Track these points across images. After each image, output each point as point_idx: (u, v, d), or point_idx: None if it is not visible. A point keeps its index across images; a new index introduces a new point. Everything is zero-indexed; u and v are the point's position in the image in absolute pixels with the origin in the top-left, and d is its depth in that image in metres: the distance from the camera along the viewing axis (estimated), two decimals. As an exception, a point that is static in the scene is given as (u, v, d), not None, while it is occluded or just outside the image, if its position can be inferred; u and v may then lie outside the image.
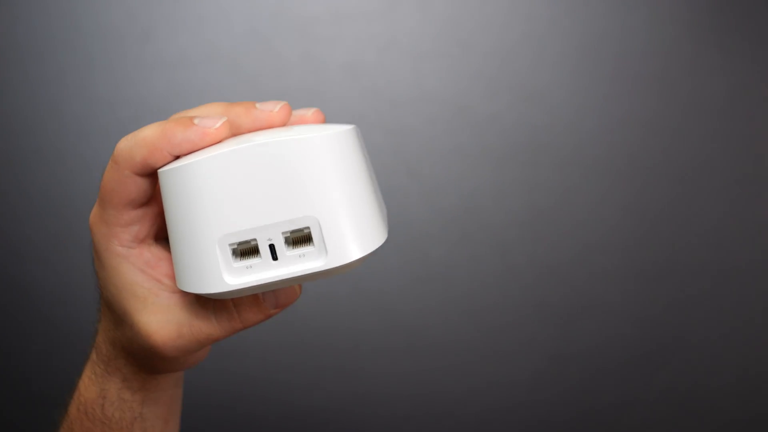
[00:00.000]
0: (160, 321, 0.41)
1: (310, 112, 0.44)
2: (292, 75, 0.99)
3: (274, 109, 0.42)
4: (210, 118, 0.40)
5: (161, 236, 0.44)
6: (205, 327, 0.41)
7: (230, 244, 0.38)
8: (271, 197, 0.37)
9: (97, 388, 0.46)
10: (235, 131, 0.41)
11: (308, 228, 0.38)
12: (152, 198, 0.42)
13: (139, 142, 0.39)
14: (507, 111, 1.01)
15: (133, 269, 0.42)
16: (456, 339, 1.02)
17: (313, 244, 0.38)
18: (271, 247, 0.38)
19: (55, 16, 0.98)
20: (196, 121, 0.39)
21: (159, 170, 0.39)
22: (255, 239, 0.38)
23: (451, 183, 1.01)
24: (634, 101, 1.01)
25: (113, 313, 0.44)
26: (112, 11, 0.98)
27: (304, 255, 0.38)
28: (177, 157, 0.40)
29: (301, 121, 0.44)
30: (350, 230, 0.38)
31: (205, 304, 0.41)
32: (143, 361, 0.44)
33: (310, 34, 0.99)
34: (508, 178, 1.01)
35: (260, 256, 0.38)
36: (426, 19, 1.00)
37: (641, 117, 1.01)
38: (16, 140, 0.99)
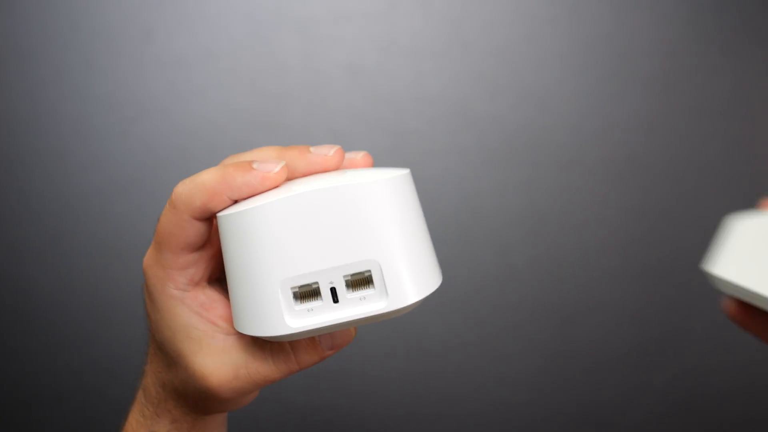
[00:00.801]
0: (216, 363, 0.41)
1: (359, 156, 0.45)
2: (292, 75, 0.99)
3: (328, 153, 0.43)
4: (269, 162, 0.40)
5: (215, 278, 0.44)
6: (262, 369, 0.42)
7: (292, 288, 0.38)
8: (332, 241, 0.38)
9: (146, 430, 0.46)
10: (291, 175, 0.42)
11: (369, 272, 0.38)
12: (208, 241, 0.42)
13: (199, 186, 0.40)
14: (507, 111, 1.01)
15: (188, 312, 0.42)
16: (456, 338, 1.02)
17: (374, 287, 0.38)
18: (332, 290, 0.38)
19: (55, 16, 0.98)
20: (255, 165, 0.40)
21: (219, 215, 0.39)
22: (317, 282, 0.38)
23: (451, 183, 1.01)
24: (635, 101, 1.01)
25: (166, 355, 0.44)
26: (112, 11, 0.98)
27: (365, 298, 0.38)
28: (235, 201, 0.40)
29: (351, 165, 0.45)
30: (409, 273, 0.39)
31: (262, 345, 0.42)
32: (196, 402, 0.44)
33: (310, 34, 0.99)
34: (508, 178, 1.01)
35: (321, 299, 0.38)
36: (426, 20, 1.00)
37: (642, 117, 1.01)
38: (15, 140, 0.99)
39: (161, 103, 0.99)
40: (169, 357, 0.43)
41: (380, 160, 1.00)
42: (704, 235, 1.02)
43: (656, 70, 1.01)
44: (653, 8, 1.00)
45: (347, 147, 1.01)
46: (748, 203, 1.02)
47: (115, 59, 0.99)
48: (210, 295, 0.43)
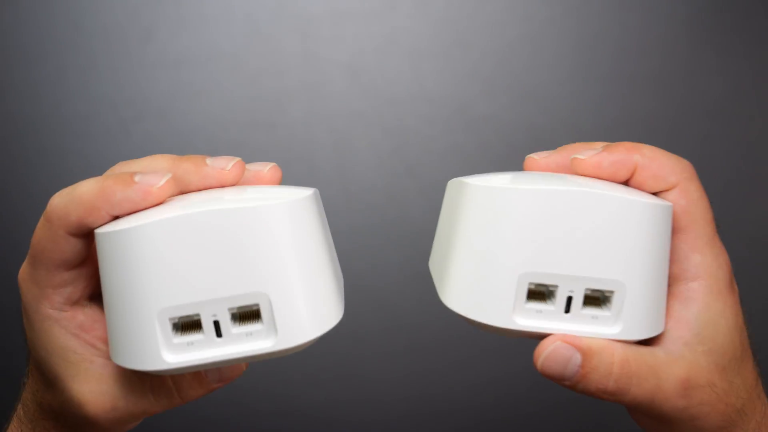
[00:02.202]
0: (94, 391, 0.38)
1: (266, 168, 0.40)
2: (292, 74, 1.00)
3: (226, 166, 0.38)
4: (153, 174, 0.36)
5: (96, 296, 0.40)
6: (140, 402, 0.39)
7: (171, 318, 0.34)
8: (218, 269, 0.34)
9: None
10: (183, 188, 0.38)
11: (257, 305, 0.34)
12: (87, 258, 0.38)
13: (75, 199, 0.36)
14: (505, 110, 1.01)
15: (65, 333, 0.39)
16: (456, 338, 1.02)
17: (262, 322, 0.34)
18: (216, 324, 0.34)
19: (57, 16, 0.98)
20: (137, 178, 0.36)
21: (96, 231, 0.35)
22: (198, 314, 0.34)
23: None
24: (631, 101, 1.01)
25: (43, 375, 0.40)
26: (114, 11, 0.98)
27: (251, 333, 0.34)
28: (116, 217, 0.36)
29: (257, 179, 0.40)
30: (304, 309, 0.35)
31: (142, 377, 0.38)
32: (73, 427, 0.41)
33: (310, 33, 0.99)
34: (507, 178, 1.01)
35: (203, 332, 0.34)
36: (426, 20, 1.00)
37: (638, 116, 1.02)
38: (19, 140, 0.99)
39: (162, 103, 0.99)
40: (46, 378, 0.40)
41: (380, 159, 1.00)
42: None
43: (655, 70, 1.01)
44: (652, 8, 1.00)
45: (347, 147, 1.01)
46: (744, 203, 1.02)
47: (116, 59, 0.99)
48: (90, 315, 0.39)
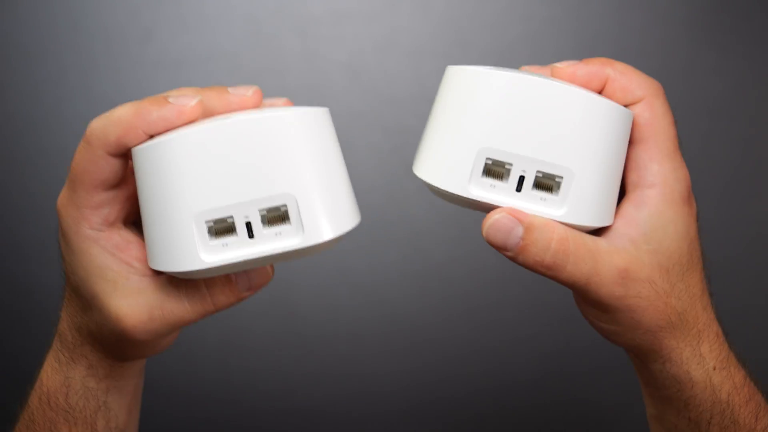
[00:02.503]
0: (131, 304, 0.40)
1: (280, 101, 0.44)
2: (292, 74, 1.00)
3: (246, 93, 0.42)
4: (184, 96, 0.40)
5: (130, 220, 0.43)
6: (177, 309, 0.41)
7: (206, 221, 0.37)
8: (248, 175, 0.37)
9: (61, 376, 0.45)
10: (208, 113, 0.41)
11: (285, 206, 0.37)
12: (122, 180, 0.41)
13: (114, 121, 0.39)
14: (507, 111, 1.01)
15: (103, 252, 0.41)
16: (456, 337, 1.02)
17: (290, 223, 0.37)
18: (248, 225, 0.37)
19: (57, 16, 0.98)
20: (171, 99, 0.39)
21: (134, 149, 0.38)
22: (231, 216, 0.37)
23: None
24: (633, 101, 1.01)
25: (80, 298, 0.43)
26: (114, 11, 0.98)
27: (280, 233, 0.37)
28: (151, 137, 0.39)
29: (271, 107, 0.43)
30: (327, 210, 0.38)
31: (177, 286, 0.41)
32: (111, 346, 0.43)
33: (310, 33, 1.00)
34: (507, 178, 1.01)
35: (236, 234, 0.37)
36: (426, 20, 1.00)
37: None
38: (19, 140, 0.99)
39: (161, 103, 0.99)
40: (84, 299, 0.42)
41: (380, 159, 1.00)
42: (703, 234, 1.02)
43: (652, 70, 1.01)
44: (652, 8, 1.00)
45: (347, 147, 1.01)
46: (745, 203, 1.02)
47: (115, 60, 0.99)
48: (125, 237, 0.41)
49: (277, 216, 0.38)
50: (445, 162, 0.40)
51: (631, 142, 0.43)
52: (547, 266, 0.40)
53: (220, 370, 1.01)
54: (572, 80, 0.43)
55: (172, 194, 0.37)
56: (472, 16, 1.00)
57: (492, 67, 0.41)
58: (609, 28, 1.01)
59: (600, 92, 0.43)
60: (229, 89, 0.42)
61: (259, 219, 0.37)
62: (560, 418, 1.03)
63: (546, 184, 0.40)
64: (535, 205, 0.40)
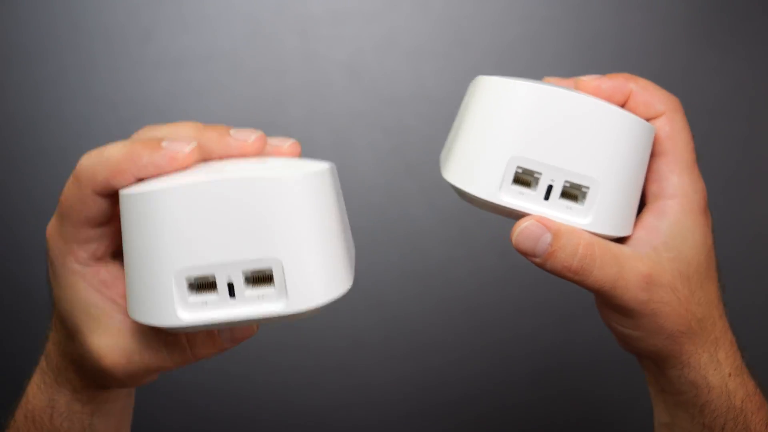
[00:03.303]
0: (110, 345, 0.40)
1: (286, 144, 0.43)
2: (292, 74, 1.00)
3: (248, 139, 0.41)
4: (179, 141, 0.38)
5: (119, 254, 0.42)
6: (155, 358, 0.40)
7: (187, 278, 0.36)
8: (235, 234, 0.36)
9: (46, 397, 0.45)
10: (206, 156, 0.40)
11: (270, 270, 0.36)
12: (112, 217, 0.40)
13: (103, 161, 0.38)
14: (507, 111, 1.01)
15: (88, 288, 0.41)
16: (456, 337, 1.02)
17: (274, 286, 0.36)
18: (230, 286, 0.36)
19: (56, 16, 0.98)
20: (164, 144, 0.38)
21: (121, 192, 0.37)
22: (213, 275, 0.36)
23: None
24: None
25: (65, 327, 0.42)
26: (112, 12, 0.98)
27: (263, 296, 0.37)
28: (141, 179, 0.38)
29: (277, 153, 0.42)
30: (314, 276, 0.36)
31: (157, 333, 0.40)
32: (94, 377, 0.43)
33: (310, 33, 1.00)
34: (507, 178, 1.01)
35: (217, 293, 0.36)
36: (426, 20, 1.00)
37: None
38: (19, 140, 0.99)
39: (161, 103, 0.99)
40: (68, 330, 0.42)
41: (380, 159, 1.00)
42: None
43: (652, 70, 1.01)
44: (652, 8, 1.00)
45: (349, 147, 1.01)
46: (745, 203, 1.02)
47: (115, 60, 0.99)
48: (112, 272, 0.41)
49: (261, 277, 0.37)
50: (477, 169, 0.42)
51: (652, 155, 0.44)
52: (575, 271, 0.41)
53: (220, 370, 1.01)
54: (596, 94, 0.44)
55: (154, 247, 0.36)
56: (472, 16, 1.00)
57: (520, 79, 0.43)
58: (609, 28, 1.01)
59: (622, 106, 0.45)
60: (232, 132, 0.41)
61: (242, 280, 0.36)
62: (560, 417, 1.03)
63: (573, 193, 0.41)
64: (561, 213, 0.41)
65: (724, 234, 1.04)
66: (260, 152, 0.41)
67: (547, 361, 1.02)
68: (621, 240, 0.43)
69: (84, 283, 0.41)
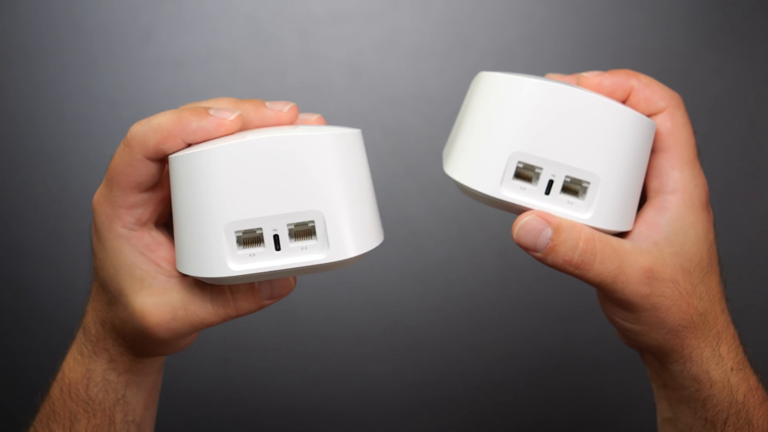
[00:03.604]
0: (156, 303, 0.42)
1: (313, 117, 0.46)
2: (292, 75, 1.00)
3: (283, 109, 0.44)
4: (224, 110, 0.41)
5: (162, 222, 0.45)
6: (200, 311, 0.42)
7: (236, 232, 0.38)
8: (280, 189, 0.38)
9: (83, 368, 0.47)
10: (245, 126, 0.43)
11: (313, 222, 0.39)
12: (158, 184, 0.43)
13: (154, 127, 0.41)
14: (507, 111, 1.01)
15: (134, 251, 0.43)
16: (456, 337, 1.03)
17: (316, 238, 0.39)
18: (275, 238, 0.39)
19: (56, 16, 0.98)
20: (211, 111, 0.40)
21: (171, 156, 0.40)
22: (261, 228, 0.39)
23: (451, 183, 1.01)
24: (633, 101, 1.01)
25: (107, 293, 0.44)
26: (113, 11, 0.98)
27: (306, 248, 0.39)
28: (189, 145, 0.41)
29: (306, 123, 0.45)
30: (352, 228, 0.39)
31: (203, 289, 0.42)
32: (133, 342, 0.45)
33: (310, 33, 1.00)
34: (507, 178, 1.01)
35: (264, 246, 0.39)
36: (426, 20, 1.00)
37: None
38: (19, 140, 0.99)
39: (161, 103, 0.99)
40: (111, 295, 0.44)
41: (380, 159, 1.00)
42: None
43: (652, 70, 1.01)
44: (653, 8, 1.00)
45: (347, 147, 1.01)
46: (744, 204, 1.02)
47: (115, 59, 0.99)
48: (156, 237, 0.43)
49: (304, 231, 0.39)
50: (478, 164, 0.42)
51: (653, 151, 0.45)
52: (576, 265, 0.42)
53: (220, 369, 1.01)
54: (598, 89, 0.44)
55: (205, 203, 0.38)
56: (472, 16, 1.00)
57: (523, 75, 0.43)
58: (609, 28, 1.01)
59: (624, 102, 0.45)
60: (267, 104, 0.43)
61: (287, 233, 0.39)
62: (560, 416, 1.03)
63: (573, 188, 0.42)
64: (562, 208, 0.42)
65: (724, 234, 1.04)
66: (293, 121, 0.44)
67: (546, 359, 1.02)
68: (622, 235, 0.44)
69: (129, 246, 0.43)
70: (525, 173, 0.42)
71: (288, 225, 0.39)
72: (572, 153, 0.41)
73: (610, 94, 0.44)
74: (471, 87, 0.47)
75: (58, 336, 1.02)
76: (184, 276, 0.42)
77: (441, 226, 1.01)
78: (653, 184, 0.45)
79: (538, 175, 0.41)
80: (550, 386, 1.03)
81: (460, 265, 1.02)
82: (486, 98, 0.43)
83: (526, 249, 0.42)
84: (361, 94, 1.00)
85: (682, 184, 0.45)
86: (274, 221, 0.38)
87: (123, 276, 0.43)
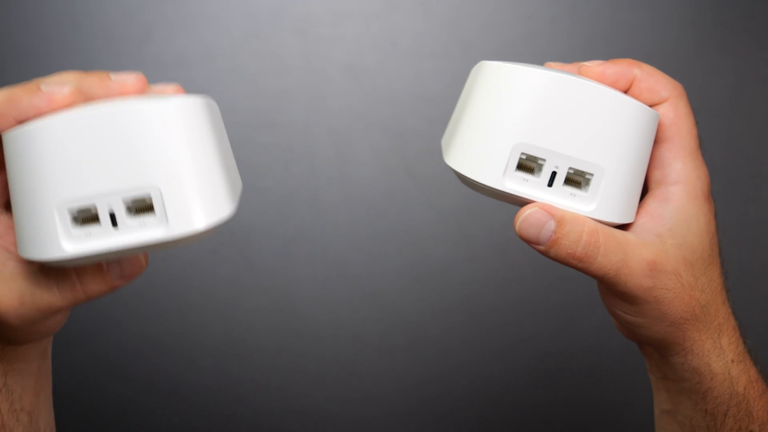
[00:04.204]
0: (3, 290, 0.41)
1: (170, 89, 0.44)
2: (291, 75, 1.00)
3: (128, 80, 0.42)
4: (58, 84, 0.39)
5: (9, 206, 0.43)
6: (46, 296, 0.41)
7: (70, 210, 0.37)
8: (113, 164, 0.37)
9: None
10: (87, 99, 0.41)
11: (149, 196, 0.37)
12: (1, 165, 0.41)
13: None
14: (507, 111, 1.01)
15: None
16: (456, 338, 1.02)
17: (155, 213, 0.37)
18: (112, 215, 0.37)
19: (57, 16, 0.98)
20: (43, 87, 0.39)
21: (3, 134, 0.39)
22: (95, 206, 0.37)
23: (451, 183, 1.01)
24: (633, 101, 1.01)
25: None
26: (112, 12, 0.98)
27: (145, 224, 0.38)
28: (22, 122, 0.39)
29: (162, 93, 0.43)
30: (193, 201, 0.38)
31: (47, 273, 0.41)
32: None
33: (310, 34, 1.00)
34: (507, 178, 1.01)
35: (100, 224, 0.37)
36: (426, 20, 1.00)
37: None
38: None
39: (161, 103, 0.99)
40: None
41: (380, 159, 1.00)
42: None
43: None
44: (653, 8, 1.00)
45: (349, 147, 1.01)
46: (748, 203, 1.02)
47: (115, 59, 0.99)
48: (4, 221, 0.42)
49: (142, 207, 0.38)
50: (481, 155, 0.41)
51: (655, 141, 0.44)
52: (579, 258, 0.41)
53: (220, 369, 1.01)
54: (601, 79, 0.44)
55: (36, 182, 0.37)
56: (472, 16, 1.00)
57: (524, 64, 0.42)
58: (609, 28, 1.01)
59: (626, 91, 0.44)
60: (112, 75, 0.42)
61: (123, 209, 0.37)
62: (560, 416, 1.03)
63: (576, 180, 0.41)
64: (565, 200, 0.41)
65: (724, 234, 1.04)
66: (140, 92, 0.42)
67: (547, 359, 1.02)
68: (624, 227, 0.43)
69: None
70: (527, 164, 0.41)
71: (124, 201, 0.37)
72: (575, 144, 0.40)
73: (613, 84, 0.44)
74: (471, 76, 0.47)
75: (59, 336, 1.03)
76: (30, 261, 0.41)
77: (441, 226, 1.01)
78: (655, 175, 0.44)
79: (540, 167, 0.41)
80: (550, 386, 1.03)
81: (460, 265, 1.02)
82: (488, 88, 0.42)
83: (529, 242, 0.42)
84: (361, 94, 1.00)
85: (684, 175, 0.45)
86: (108, 198, 0.37)
87: None
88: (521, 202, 0.42)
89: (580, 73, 0.45)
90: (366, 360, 1.02)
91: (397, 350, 1.02)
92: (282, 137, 0.99)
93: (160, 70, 0.99)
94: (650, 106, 0.44)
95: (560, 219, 0.41)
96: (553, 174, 0.41)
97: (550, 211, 0.41)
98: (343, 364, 1.02)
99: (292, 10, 0.99)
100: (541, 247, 0.42)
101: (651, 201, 0.44)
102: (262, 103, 1.00)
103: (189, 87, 0.99)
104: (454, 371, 1.03)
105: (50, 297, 0.41)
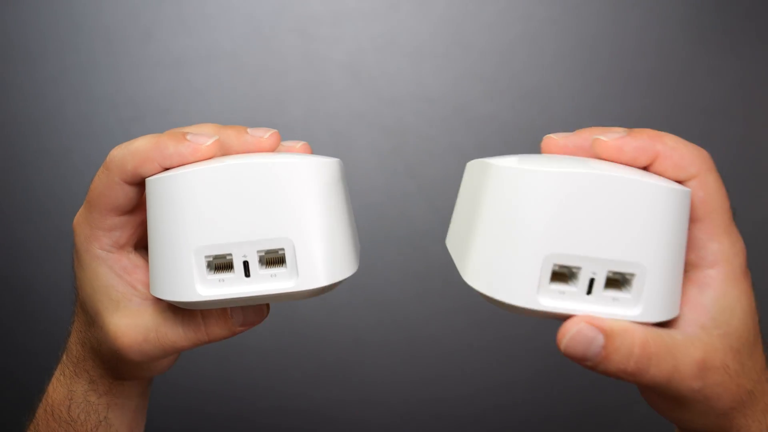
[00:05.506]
0: (129, 324, 0.42)
1: (298, 145, 0.46)
2: (292, 75, 1.00)
3: (263, 135, 0.44)
4: (202, 135, 0.41)
5: (140, 246, 0.45)
6: (171, 334, 0.42)
7: (206, 256, 0.39)
8: (251, 216, 0.38)
9: (65, 389, 0.47)
10: (225, 151, 0.43)
11: (283, 249, 0.39)
12: (136, 207, 0.43)
13: (132, 151, 0.41)
14: (505, 110, 1.01)
15: (110, 273, 0.43)
16: (456, 338, 1.02)
17: (286, 266, 0.39)
18: (245, 264, 0.39)
19: (57, 17, 0.98)
20: (188, 136, 0.41)
21: (147, 178, 0.40)
22: (230, 254, 0.39)
23: (450, 182, 1.01)
24: (631, 101, 1.01)
25: (86, 313, 0.45)
26: (112, 12, 0.98)
27: (275, 275, 0.39)
28: (167, 170, 0.41)
29: (289, 151, 0.45)
30: (322, 257, 0.39)
31: (175, 312, 0.42)
32: (110, 363, 0.45)
33: (310, 33, 1.00)
34: (507, 178, 1.01)
35: (233, 272, 0.39)
36: (426, 20, 1.00)
37: (637, 116, 1.02)
38: (19, 140, 0.99)
39: (161, 103, 0.99)
40: (89, 315, 0.44)
41: (380, 159, 1.00)
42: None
43: (653, 69, 1.01)
44: (653, 8, 1.00)
45: (348, 147, 1.01)
46: (745, 203, 1.02)
47: (116, 60, 0.99)
48: (133, 260, 0.44)
49: (274, 258, 0.39)
50: (508, 272, 0.38)
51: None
52: (631, 373, 0.39)
53: (220, 370, 1.01)
54: (619, 156, 0.40)
55: (177, 226, 0.39)
56: (472, 16, 1.00)
57: (530, 159, 0.39)
58: (608, 28, 1.01)
59: (647, 167, 0.41)
60: (249, 130, 0.44)
61: (256, 259, 0.39)
62: (560, 416, 1.03)
63: (616, 282, 0.38)
64: (608, 307, 0.38)
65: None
66: (274, 148, 0.44)
67: (547, 360, 1.02)
68: (669, 322, 0.40)
69: (106, 267, 0.43)
70: (561, 273, 0.37)
71: (258, 252, 0.39)
72: (611, 244, 0.36)
73: (633, 160, 0.40)
74: (467, 175, 0.44)
75: (59, 337, 1.03)
76: (158, 299, 0.42)
77: (441, 226, 1.01)
78: (690, 258, 0.41)
79: (575, 275, 0.37)
80: (550, 387, 1.03)
81: (460, 265, 1.02)
82: (498, 197, 0.38)
83: (576, 359, 0.39)
84: (361, 94, 1.00)
85: (721, 256, 0.42)
86: (244, 247, 0.39)
87: (99, 297, 0.43)
88: (561, 317, 0.38)
89: (594, 150, 0.42)
90: (366, 360, 1.02)
91: (396, 349, 1.02)
92: (282, 137, 1.00)
93: (160, 70, 0.99)
94: (677, 182, 0.40)
95: (609, 333, 0.38)
96: (591, 281, 0.37)
97: (597, 325, 0.37)
98: (342, 364, 1.02)
99: (292, 10, 0.99)
100: (588, 363, 0.39)
101: (689, 287, 0.41)
102: (262, 103, 1.00)
103: (189, 87, 0.99)
104: (454, 371, 1.03)
105: (175, 336, 0.42)
